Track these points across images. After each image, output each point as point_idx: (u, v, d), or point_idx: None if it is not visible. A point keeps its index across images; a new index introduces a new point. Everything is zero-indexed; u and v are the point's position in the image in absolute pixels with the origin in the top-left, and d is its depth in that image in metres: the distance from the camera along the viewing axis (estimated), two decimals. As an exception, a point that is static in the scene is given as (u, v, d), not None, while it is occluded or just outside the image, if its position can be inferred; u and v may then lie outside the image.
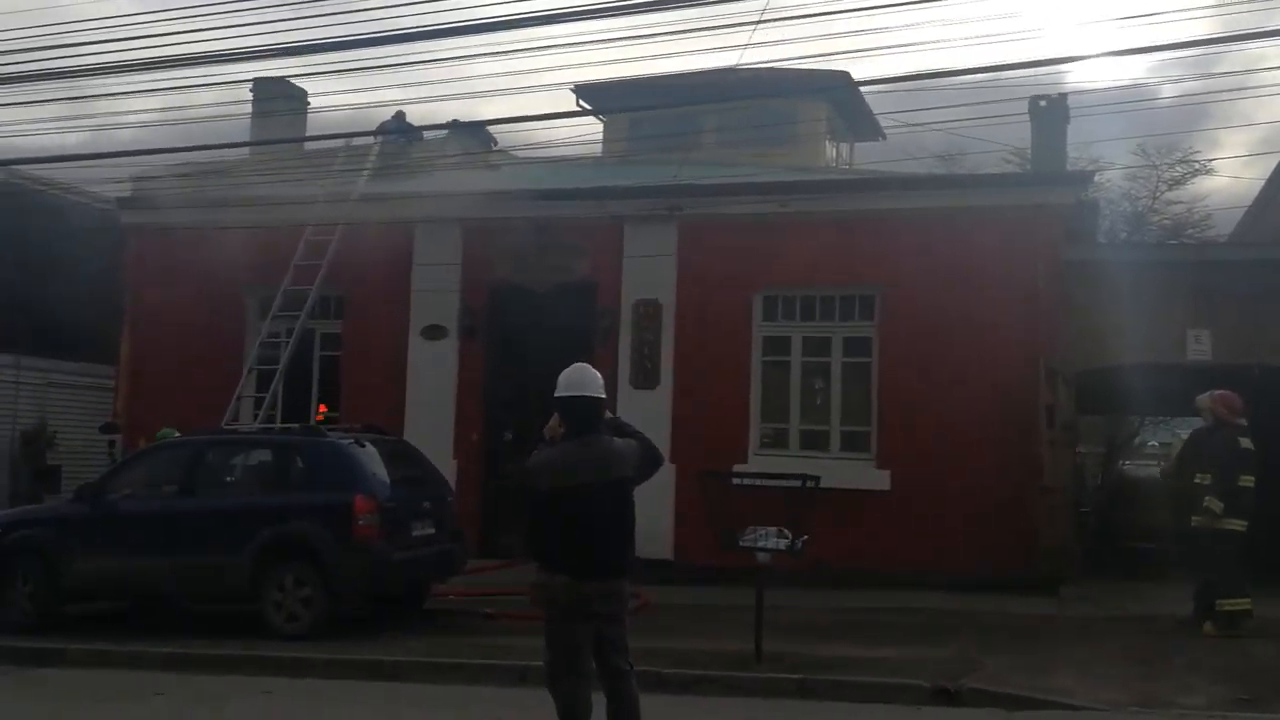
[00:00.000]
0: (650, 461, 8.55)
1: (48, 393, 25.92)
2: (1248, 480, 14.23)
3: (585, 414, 8.34)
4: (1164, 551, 19.57)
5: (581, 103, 26.14)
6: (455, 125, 22.31)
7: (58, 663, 14.11)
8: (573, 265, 20.70)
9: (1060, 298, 18.23)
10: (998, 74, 15.87)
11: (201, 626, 15.68)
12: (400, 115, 22.83)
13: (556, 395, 8.41)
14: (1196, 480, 14.63)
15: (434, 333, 21.02)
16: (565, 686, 8.20)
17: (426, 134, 22.99)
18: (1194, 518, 14.55)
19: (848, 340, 19.62)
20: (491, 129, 23.92)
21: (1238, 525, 14.23)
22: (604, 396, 8.51)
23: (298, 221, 21.10)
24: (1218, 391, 14.86)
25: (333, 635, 14.48)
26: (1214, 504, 14.20)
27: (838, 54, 22.23)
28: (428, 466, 17.03)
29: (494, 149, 24.15)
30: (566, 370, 8.49)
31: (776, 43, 27.42)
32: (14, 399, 25.25)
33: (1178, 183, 35.77)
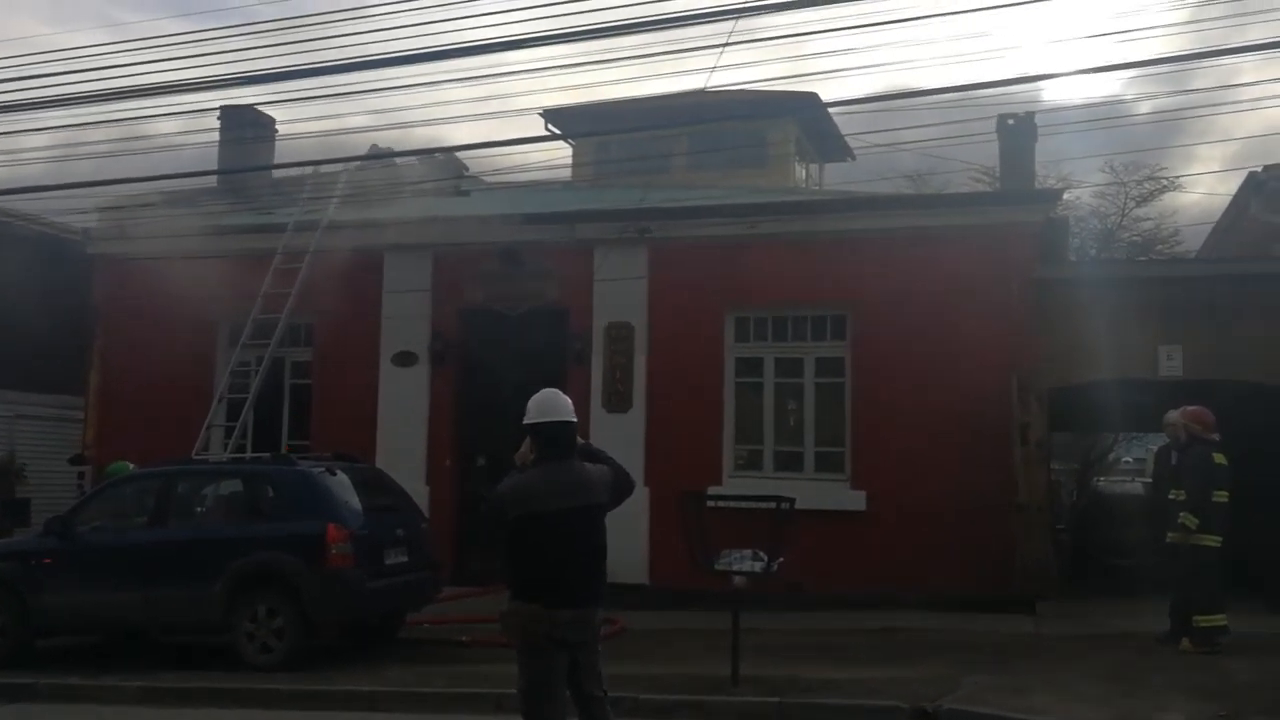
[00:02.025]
0: (622, 487, 8.49)
1: (16, 425, 25.75)
2: (1222, 496, 14.25)
3: (557, 439, 8.28)
4: (1140, 568, 19.57)
5: (550, 127, 26.13)
6: (425, 153, 22.30)
7: (28, 698, 13.98)
8: (543, 289, 20.67)
9: (1032, 316, 18.24)
10: (966, 93, 15.89)
11: (174, 659, 15.59)
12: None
13: (527, 421, 8.33)
14: (1171, 496, 14.65)
15: (405, 359, 20.97)
16: (540, 715, 8.12)
17: (396, 160, 22.95)
18: (1169, 534, 14.57)
19: (820, 360, 19.61)
20: (461, 154, 23.89)
21: (1212, 541, 14.23)
22: (575, 420, 8.45)
23: (267, 249, 21.04)
24: (1189, 408, 14.88)
25: (307, 666, 14.40)
26: (1189, 520, 14.20)
27: (806, 75, 22.23)
28: (400, 494, 16.96)
29: (464, 174, 24.10)
30: (536, 395, 8.42)
31: (744, 65, 27.42)
32: (-18, 431, 25.10)
33: (1146, 199, 35.97)
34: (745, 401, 19.91)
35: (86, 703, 13.66)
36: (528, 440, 8.41)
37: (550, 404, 8.33)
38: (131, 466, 17.67)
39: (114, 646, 16.66)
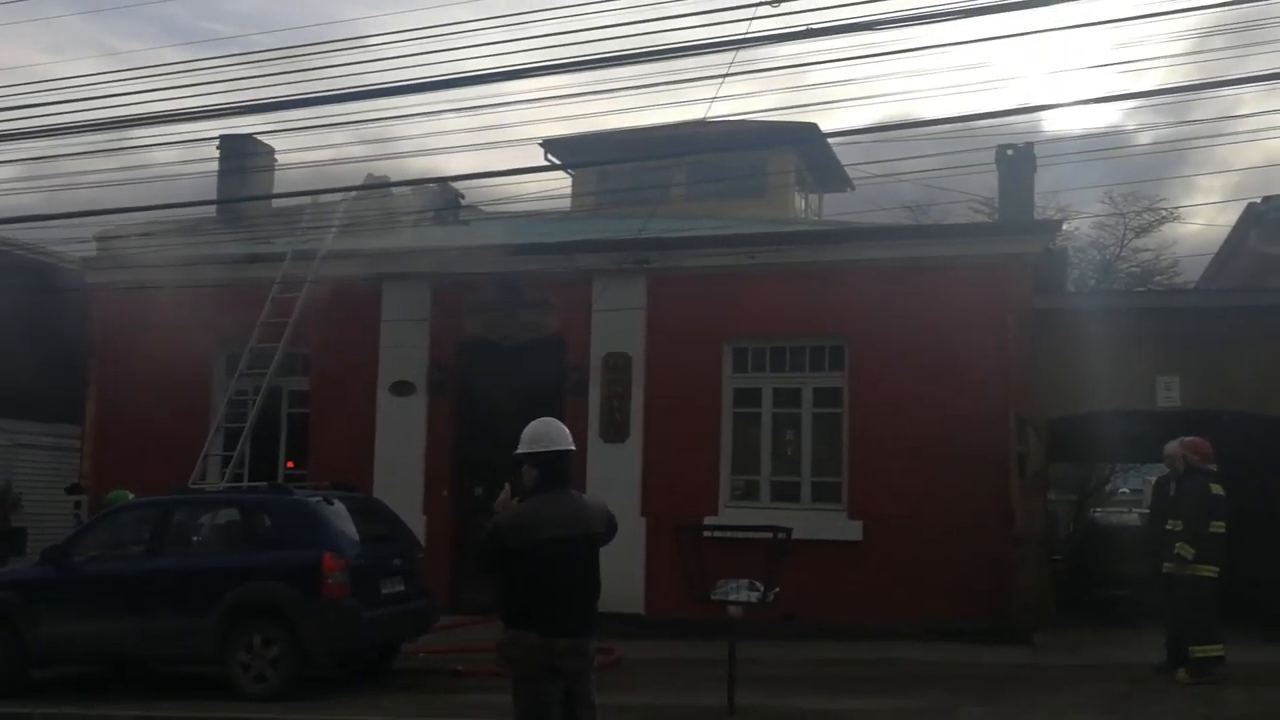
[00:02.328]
0: (611, 526, 8.47)
1: (13, 454, 25.74)
2: (1219, 526, 14.19)
3: (559, 467, 8.23)
4: (1137, 598, 19.53)
5: (549, 157, 26.16)
6: (422, 182, 22.39)
7: (23, 728, 13.92)
8: (541, 320, 20.68)
9: (1030, 346, 18.24)
10: (966, 124, 15.92)
11: (170, 689, 15.54)
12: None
13: (525, 450, 8.25)
14: (1168, 527, 14.61)
15: (402, 389, 20.96)
16: None
17: (394, 190, 23.02)
18: (1165, 564, 14.52)
19: (818, 391, 19.60)
20: (459, 184, 23.93)
21: (1209, 571, 14.18)
22: (574, 449, 8.42)
23: (264, 279, 21.07)
24: (1187, 438, 14.85)
25: (302, 696, 14.31)
26: (1185, 550, 14.15)
27: (806, 106, 22.29)
28: (397, 523, 16.91)
29: (461, 204, 24.13)
30: (533, 424, 8.34)
31: (744, 95, 27.51)
32: (-21, 460, 25.10)
33: (1145, 230, 35.99)
34: (742, 432, 19.89)
35: (82, 732, 13.62)
36: (507, 487, 8.36)
37: (548, 433, 8.26)
38: (131, 495, 17.64)
39: (110, 676, 16.61)
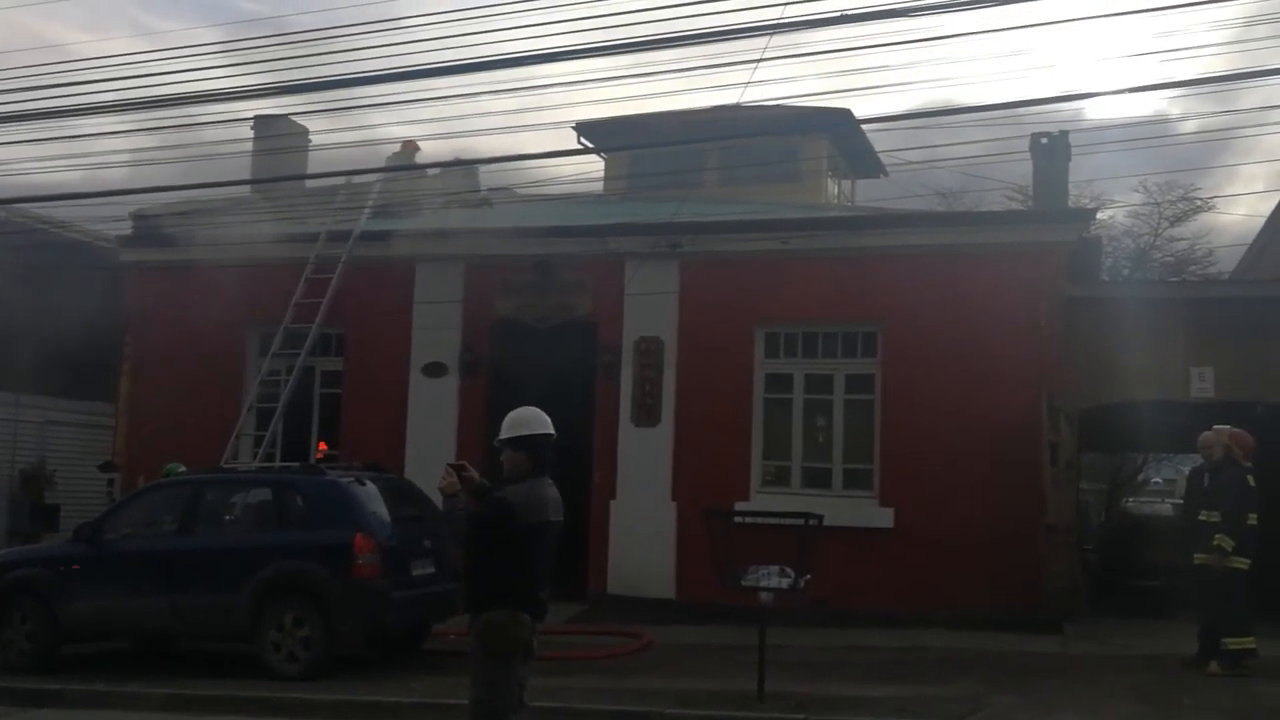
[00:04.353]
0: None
1: (47, 431, 25.84)
2: (1254, 519, 14.14)
3: (547, 452, 8.31)
4: (1169, 589, 19.47)
5: (583, 140, 26.13)
6: (454, 164, 22.43)
7: (56, 704, 13.99)
8: (574, 302, 20.68)
9: (1063, 335, 18.19)
10: (1001, 111, 15.85)
11: (201, 667, 15.61)
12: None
13: (520, 434, 8.29)
14: (1202, 517, 14.53)
15: (435, 370, 20.99)
16: None
17: (427, 172, 23.06)
18: (1198, 555, 14.45)
19: (850, 377, 19.57)
20: (493, 166, 23.92)
21: (1241, 563, 14.13)
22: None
23: (298, 259, 21.11)
24: (1233, 430, 14.72)
25: (332, 676, 14.37)
26: (1225, 542, 14.08)
27: (839, 91, 22.18)
28: (428, 505, 16.89)
29: (488, 189, 24.11)
30: (517, 411, 8.43)
31: (778, 80, 27.42)
32: (13, 437, 25.16)
33: (1180, 219, 35.85)
34: (774, 417, 19.87)
35: (113, 709, 13.68)
36: (451, 471, 8.37)
37: (536, 416, 8.37)
38: (182, 469, 17.71)
39: (141, 653, 16.70)
